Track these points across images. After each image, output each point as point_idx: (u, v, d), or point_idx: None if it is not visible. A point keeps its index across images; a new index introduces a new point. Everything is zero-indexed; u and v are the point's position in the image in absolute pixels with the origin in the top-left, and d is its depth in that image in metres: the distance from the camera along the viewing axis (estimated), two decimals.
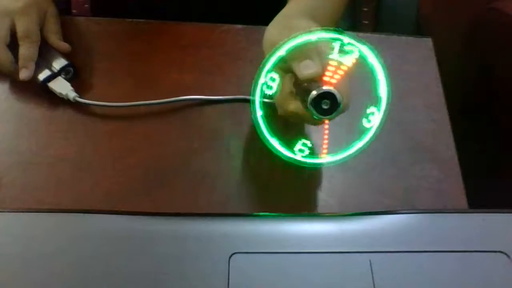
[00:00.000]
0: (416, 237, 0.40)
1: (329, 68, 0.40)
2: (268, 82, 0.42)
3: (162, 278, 0.37)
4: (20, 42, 0.55)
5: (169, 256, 0.38)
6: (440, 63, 0.61)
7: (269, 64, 0.41)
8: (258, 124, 0.43)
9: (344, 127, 0.45)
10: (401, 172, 0.53)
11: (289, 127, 0.48)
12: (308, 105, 0.40)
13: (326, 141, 0.44)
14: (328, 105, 0.40)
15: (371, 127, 0.44)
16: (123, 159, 0.52)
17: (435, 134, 0.56)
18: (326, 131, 0.43)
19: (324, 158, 0.45)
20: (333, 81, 0.40)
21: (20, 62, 0.54)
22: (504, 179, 0.81)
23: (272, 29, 0.49)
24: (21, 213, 0.42)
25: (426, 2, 0.88)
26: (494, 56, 0.85)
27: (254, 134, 0.54)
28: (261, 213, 0.44)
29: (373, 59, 0.41)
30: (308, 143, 0.45)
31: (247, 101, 0.56)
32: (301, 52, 0.41)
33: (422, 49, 0.63)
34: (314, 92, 0.39)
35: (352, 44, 0.40)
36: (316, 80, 0.41)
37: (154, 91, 0.57)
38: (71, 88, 0.55)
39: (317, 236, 0.40)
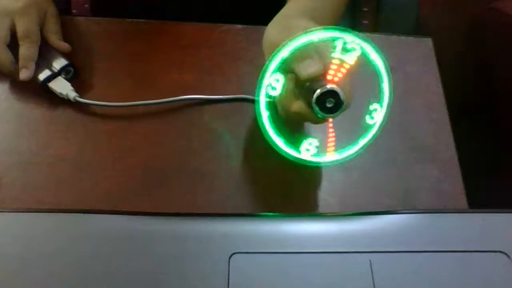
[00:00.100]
0: (416, 237, 0.40)
1: (332, 66, 0.40)
2: (273, 83, 0.42)
3: (162, 278, 0.37)
4: (20, 42, 0.55)
5: (169, 256, 0.38)
6: (440, 63, 0.61)
7: (273, 65, 0.41)
8: (264, 125, 0.43)
9: (347, 125, 0.45)
10: (401, 172, 0.53)
11: (293, 127, 0.48)
12: (313, 104, 0.40)
13: (331, 139, 0.44)
14: (332, 103, 0.40)
15: (374, 124, 0.44)
16: (123, 159, 0.52)
17: (435, 134, 0.56)
18: (331, 129, 0.43)
19: (331, 156, 0.45)
20: (336, 79, 0.40)
21: (20, 62, 0.54)
22: (504, 179, 0.81)
23: (271, 29, 0.49)
24: (21, 213, 0.42)
25: (426, 2, 0.88)
26: (494, 56, 0.85)
27: (254, 134, 0.54)
28: (261, 213, 0.44)
29: (375, 56, 0.41)
30: (315, 142, 0.45)
31: (247, 100, 0.56)
32: (300, 52, 0.41)
33: (422, 49, 0.63)
34: (318, 91, 0.40)
35: (354, 42, 0.40)
36: (319, 78, 0.41)
37: (154, 91, 0.57)
38: (71, 88, 0.55)
39: (317, 236, 0.40)
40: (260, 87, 0.42)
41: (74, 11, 0.81)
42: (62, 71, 0.56)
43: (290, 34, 0.41)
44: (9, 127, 0.54)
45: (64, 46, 0.58)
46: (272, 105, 0.45)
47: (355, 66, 0.40)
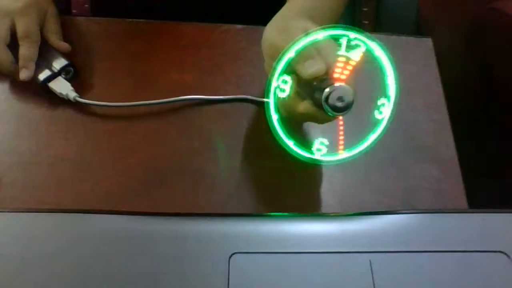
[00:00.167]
0: (416, 237, 0.40)
1: (338, 64, 0.40)
2: (281, 85, 0.42)
3: (162, 278, 0.37)
4: (20, 42, 0.55)
5: (169, 256, 0.38)
6: (440, 63, 0.61)
7: (280, 67, 0.41)
8: (275, 127, 0.43)
9: (354, 123, 0.45)
10: (401, 172, 0.53)
11: (294, 128, 0.48)
12: (322, 103, 0.40)
13: (342, 137, 0.44)
14: (342, 100, 0.40)
15: (383, 118, 0.45)
16: (123, 159, 0.52)
17: (435, 134, 0.56)
18: (341, 127, 0.44)
19: (342, 154, 0.45)
20: (343, 77, 0.40)
21: (20, 62, 0.54)
22: (504, 179, 0.81)
23: (270, 30, 0.49)
24: (21, 213, 0.42)
25: (426, 2, 0.88)
26: (494, 56, 0.85)
27: (254, 134, 0.54)
28: (261, 213, 0.44)
29: (379, 52, 0.41)
30: (325, 141, 0.45)
31: (247, 101, 0.56)
32: (301, 53, 0.41)
33: (422, 49, 0.63)
34: (327, 90, 0.40)
35: (358, 39, 0.40)
36: (325, 77, 0.41)
37: (154, 91, 0.57)
38: (71, 88, 0.55)
39: (317, 236, 0.40)
40: (268, 90, 0.42)
41: (74, 11, 0.82)
42: (62, 71, 0.56)
43: (290, 35, 0.41)
44: (9, 127, 0.54)
45: (64, 46, 0.58)
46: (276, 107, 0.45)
47: (360, 63, 0.40)
